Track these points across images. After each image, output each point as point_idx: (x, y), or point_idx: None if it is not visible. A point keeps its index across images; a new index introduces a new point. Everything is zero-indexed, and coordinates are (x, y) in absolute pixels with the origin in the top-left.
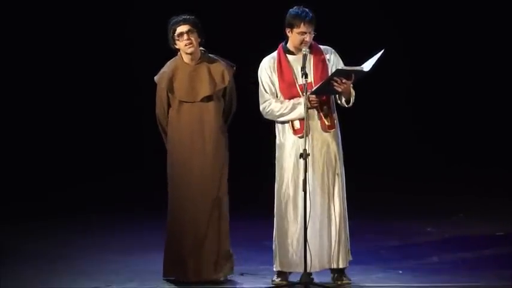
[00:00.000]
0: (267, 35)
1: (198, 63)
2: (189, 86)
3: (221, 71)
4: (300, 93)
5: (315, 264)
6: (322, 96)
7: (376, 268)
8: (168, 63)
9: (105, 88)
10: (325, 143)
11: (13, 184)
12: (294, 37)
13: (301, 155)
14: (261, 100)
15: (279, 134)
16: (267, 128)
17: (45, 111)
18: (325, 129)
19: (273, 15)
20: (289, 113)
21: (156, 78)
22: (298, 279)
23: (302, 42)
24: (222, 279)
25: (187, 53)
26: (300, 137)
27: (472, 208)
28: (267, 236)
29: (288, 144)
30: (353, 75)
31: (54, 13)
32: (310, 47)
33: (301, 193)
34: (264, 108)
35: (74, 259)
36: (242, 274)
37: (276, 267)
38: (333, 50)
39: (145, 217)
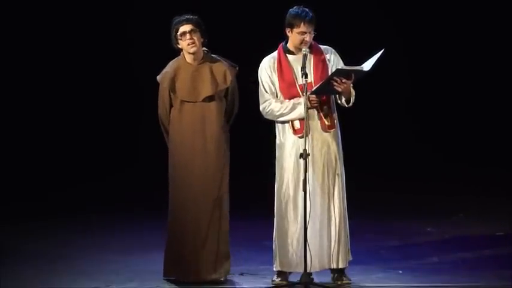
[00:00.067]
0: (267, 35)
1: (200, 63)
2: (191, 86)
3: (223, 71)
4: (300, 93)
5: (315, 264)
6: (322, 96)
7: (376, 268)
8: (171, 63)
9: (105, 88)
10: (325, 143)
11: (13, 184)
12: (294, 37)
13: (301, 155)
14: (261, 100)
15: (279, 134)
16: (267, 128)
17: (45, 111)
18: (325, 129)
19: (273, 15)
20: (289, 113)
21: (158, 77)
22: (298, 279)
23: (302, 42)
24: (222, 279)
25: (189, 53)
26: (300, 137)
27: (472, 208)
28: (267, 236)
29: (288, 144)
30: (353, 75)
31: (54, 13)
32: (310, 47)
33: (301, 193)
34: (264, 108)
35: (74, 259)
36: (242, 274)
37: (276, 267)
38: (333, 50)
39: (145, 217)
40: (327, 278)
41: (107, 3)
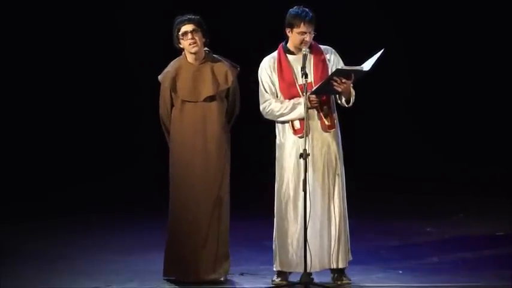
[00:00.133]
0: (267, 35)
1: (201, 63)
2: (192, 86)
3: (225, 71)
4: (300, 93)
5: (315, 264)
6: (322, 96)
7: (376, 268)
8: (172, 62)
9: (105, 88)
10: (325, 143)
11: (13, 184)
12: (294, 37)
13: (301, 155)
14: (261, 100)
15: (279, 134)
16: (267, 128)
17: (45, 112)
18: (325, 129)
19: (273, 15)
20: (289, 113)
21: (159, 77)
22: (298, 279)
23: (302, 42)
24: (222, 279)
25: (191, 53)
26: (300, 137)
27: (472, 208)
28: (267, 236)
29: (288, 144)
30: (353, 75)
31: (54, 13)
32: (310, 47)
33: (301, 193)
34: (264, 108)
35: (74, 259)
36: (242, 274)
37: (276, 267)
38: (333, 50)
39: (145, 217)
40: (327, 278)
41: (108, 3)
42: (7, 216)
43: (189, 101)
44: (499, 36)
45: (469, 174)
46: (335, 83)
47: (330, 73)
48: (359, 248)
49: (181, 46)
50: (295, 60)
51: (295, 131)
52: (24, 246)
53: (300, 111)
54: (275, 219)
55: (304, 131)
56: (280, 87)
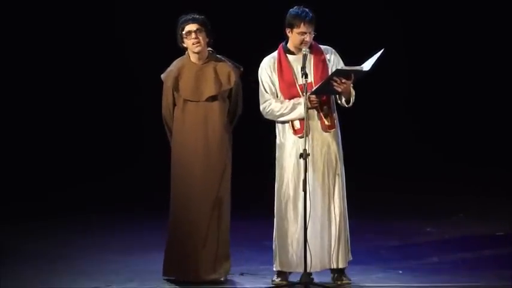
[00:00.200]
0: (267, 35)
1: (205, 63)
2: (195, 85)
3: (227, 72)
4: (300, 93)
5: (315, 264)
6: (322, 96)
7: (376, 268)
8: (175, 62)
9: (105, 88)
10: (326, 143)
11: (13, 184)
12: (294, 37)
13: (301, 155)
14: (261, 100)
15: (279, 134)
16: (267, 128)
17: (45, 112)
18: (325, 129)
19: (273, 15)
20: (289, 113)
21: (162, 76)
22: (298, 279)
23: (302, 42)
24: (222, 279)
25: (194, 52)
26: (300, 137)
27: (472, 208)
28: (267, 236)
29: (288, 144)
30: (353, 75)
31: (54, 13)
32: (311, 47)
33: (301, 193)
34: (264, 108)
35: (74, 259)
36: (242, 274)
37: (276, 267)
38: (333, 50)
39: (145, 217)
40: (327, 278)
41: (108, 3)
42: (7, 216)
43: (191, 101)
44: (498, 36)
45: (469, 174)
46: (335, 83)
47: (330, 73)
48: (359, 248)
49: (184, 45)
50: (295, 60)
51: (295, 131)
52: (24, 246)
53: (300, 111)
54: (275, 219)
55: (304, 131)
56: (280, 87)
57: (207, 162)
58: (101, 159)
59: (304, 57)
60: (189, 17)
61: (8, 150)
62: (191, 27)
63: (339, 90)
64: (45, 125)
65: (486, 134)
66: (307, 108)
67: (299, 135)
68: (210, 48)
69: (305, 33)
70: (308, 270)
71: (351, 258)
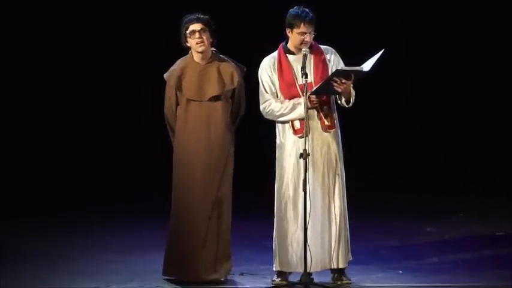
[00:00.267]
0: (267, 35)
1: (208, 63)
2: (198, 85)
3: (231, 72)
4: (300, 93)
5: (315, 264)
6: (322, 96)
7: (376, 268)
8: (178, 61)
9: (105, 88)
10: (326, 143)
11: (13, 184)
12: (294, 37)
13: (301, 155)
14: (261, 100)
15: (279, 134)
16: (267, 128)
17: (45, 112)
18: (325, 129)
19: (273, 15)
20: (290, 113)
21: (165, 75)
22: (298, 279)
23: (302, 42)
24: (222, 279)
25: (198, 52)
26: (300, 137)
27: (472, 208)
28: (267, 236)
29: (288, 144)
30: (353, 75)
31: (54, 12)
32: (311, 47)
33: (301, 193)
34: (264, 108)
35: (74, 259)
36: (242, 274)
37: (276, 267)
38: (333, 50)
39: (145, 217)
40: (327, 278)
41: (108, 3)
42: (7, 216)
43: (194, 100)
44: (499, 36)
45: (469, 174)
46: (335, 84)
47: (330, 73)
48: (359, 248)
49: (188, 45)
50: (295, 60)
51: (295, 131)
52: (24, 246)
53: (300, 111)
54: (275, 219)
55: (304, 131)
56: (280, 87)
57: (209, 162)
58: (101, 159)
59: (304, 57)
60: (193, 16)
61: (8, 150)
62: (195, 26)
63: (339, 90)
64: (45, 125)
65: (486, 134)
66: (307, 108)
67: (299, 135)
68: (213, 48)
69: (305, 33)
70: (308, 270)
71: (351, 258)
